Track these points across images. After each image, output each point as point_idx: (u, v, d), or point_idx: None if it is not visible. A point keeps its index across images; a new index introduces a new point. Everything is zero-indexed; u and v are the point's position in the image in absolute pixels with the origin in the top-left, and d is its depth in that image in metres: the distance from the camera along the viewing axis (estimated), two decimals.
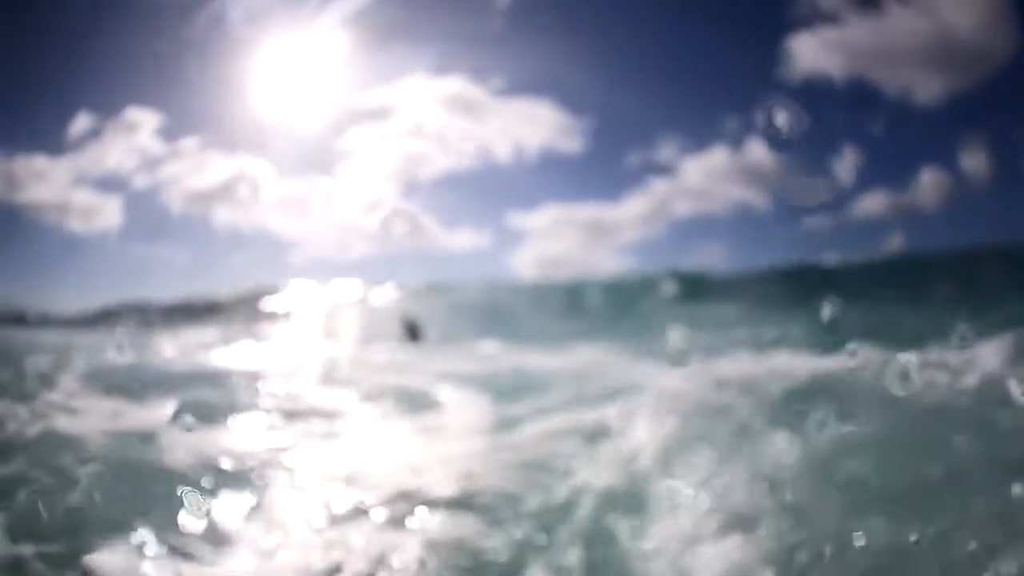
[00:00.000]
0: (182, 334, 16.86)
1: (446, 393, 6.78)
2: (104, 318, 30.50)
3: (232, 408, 6.06)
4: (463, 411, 6.05)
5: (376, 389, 7.08)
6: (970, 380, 4.36)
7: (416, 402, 6.48)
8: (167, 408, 5.87)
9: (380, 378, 8.36)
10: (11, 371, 7.43)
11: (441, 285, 23.47)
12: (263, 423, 5.77)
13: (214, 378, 8.22)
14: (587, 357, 10.49)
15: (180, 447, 4.57)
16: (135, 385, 7.10)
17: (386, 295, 23.31)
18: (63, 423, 4.96)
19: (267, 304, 24.45)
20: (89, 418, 5.29)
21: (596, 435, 4.66)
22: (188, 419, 5.41)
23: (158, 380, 7.91)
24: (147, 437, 4.71)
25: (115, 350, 11.11)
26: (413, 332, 16.29)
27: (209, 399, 6.45)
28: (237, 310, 24.22)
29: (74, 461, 4.03)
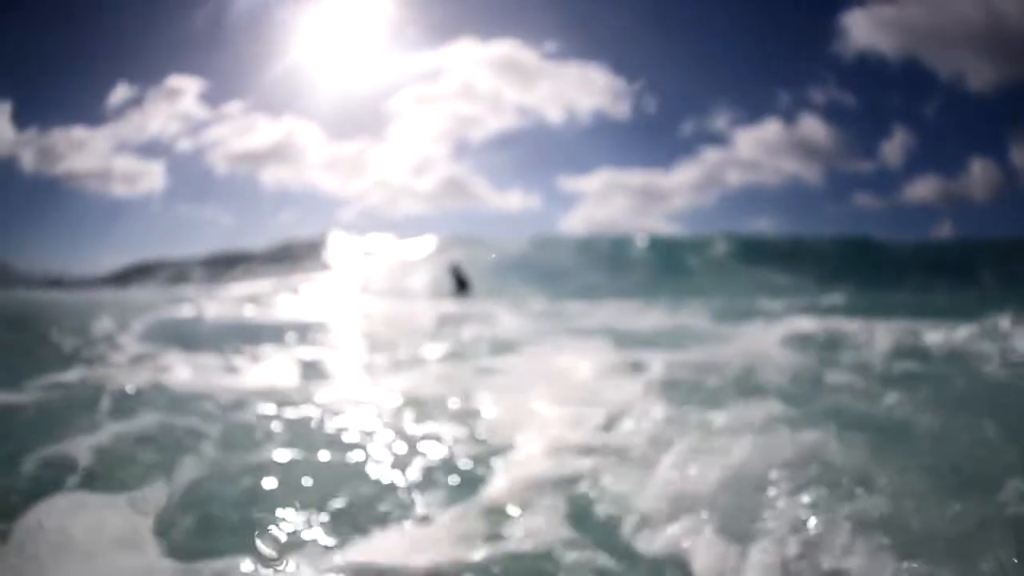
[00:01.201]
0: (225, 287, 16.57)
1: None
2: (136, 274, 30.58)
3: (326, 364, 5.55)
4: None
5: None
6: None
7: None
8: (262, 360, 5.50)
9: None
10: (78, 333, 7.02)
11: (487, 239, 22.90)
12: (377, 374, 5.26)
13: (286, 331, 7.71)
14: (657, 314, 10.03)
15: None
16: (209, 340, 6.63)
17: (430, 247, 22.84)
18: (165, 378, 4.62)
19: (311, 256, 24.12)
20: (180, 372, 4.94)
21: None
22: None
23: (242, 334, 7.44)
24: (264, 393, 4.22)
25: (169, 306, 10.67)
26: (462, 283, 16.01)
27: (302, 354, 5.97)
28: (279, 262, 23.94)
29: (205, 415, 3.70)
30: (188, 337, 6.99)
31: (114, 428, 3.27)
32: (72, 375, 4.62)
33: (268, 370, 5.19)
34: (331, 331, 8.12)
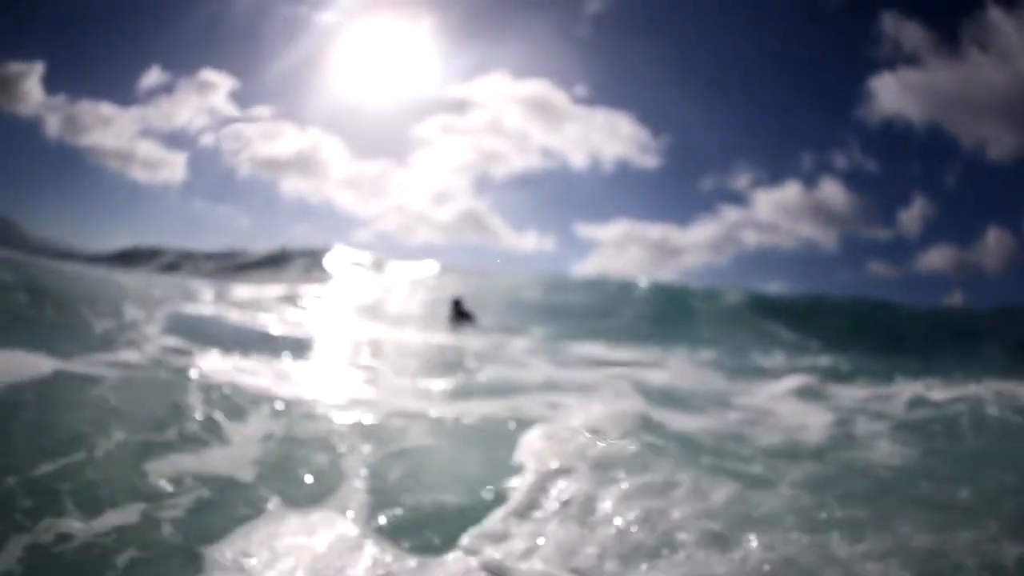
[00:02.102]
0: (227, 286, 16.59)
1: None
2: (136, 257, 30.53)
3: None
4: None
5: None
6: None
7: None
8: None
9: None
10: (106, 314, 7.13)
11: (495, 274, 23.08)
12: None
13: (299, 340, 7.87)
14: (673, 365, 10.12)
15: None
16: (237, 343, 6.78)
17: (433, 274, 23.01)
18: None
19: (311, 265, 24.18)
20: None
21: None
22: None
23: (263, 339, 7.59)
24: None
25: (181, 298, 10.78)
26: (461, 313, 15.88)
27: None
28: (278, 266, 23.99)
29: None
30: (213, 336, 7.14)
31: (247, 433, 3.51)
32: (129, 355, 4.78)
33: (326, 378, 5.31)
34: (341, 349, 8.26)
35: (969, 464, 4.47)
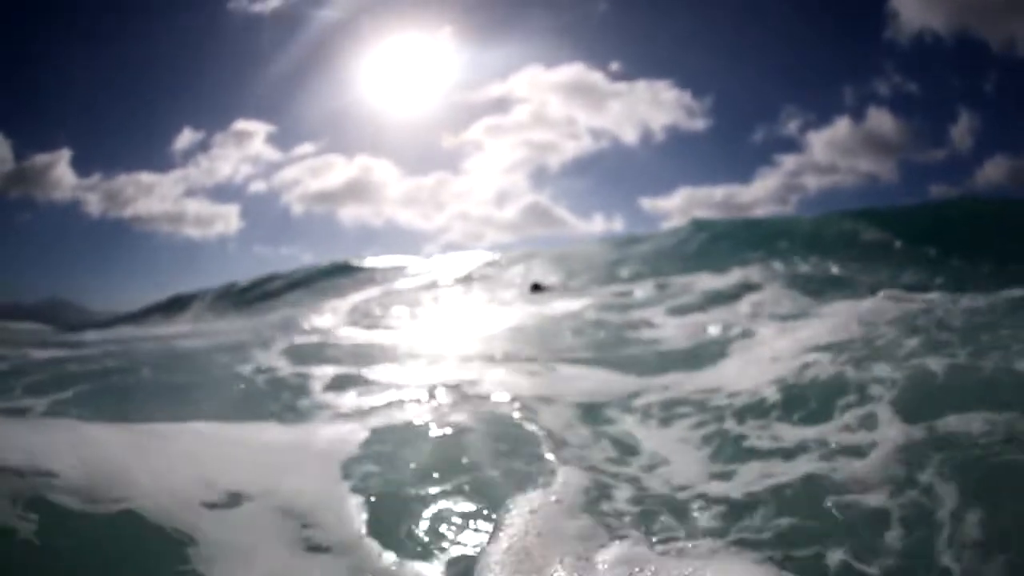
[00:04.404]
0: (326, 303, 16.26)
1: None
2: (165, 307, 30.32)
3: None
4: None
5: None
6: None
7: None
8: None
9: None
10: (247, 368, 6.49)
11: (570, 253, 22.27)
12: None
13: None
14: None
15: None
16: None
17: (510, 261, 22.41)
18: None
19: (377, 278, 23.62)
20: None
21: None
22: None
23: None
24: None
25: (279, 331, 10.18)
26: (537, 287, 16.12)
27: None
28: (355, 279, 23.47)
29: None
30: (341, 359, 6.53)
31: None
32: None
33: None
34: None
35: None
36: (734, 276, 12.67)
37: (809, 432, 3.27)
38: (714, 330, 6.99)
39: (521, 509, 2.42)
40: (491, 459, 3.11)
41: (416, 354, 6.92)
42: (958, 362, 3.66)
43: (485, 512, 2.61)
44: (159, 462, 2.68)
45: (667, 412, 4.07)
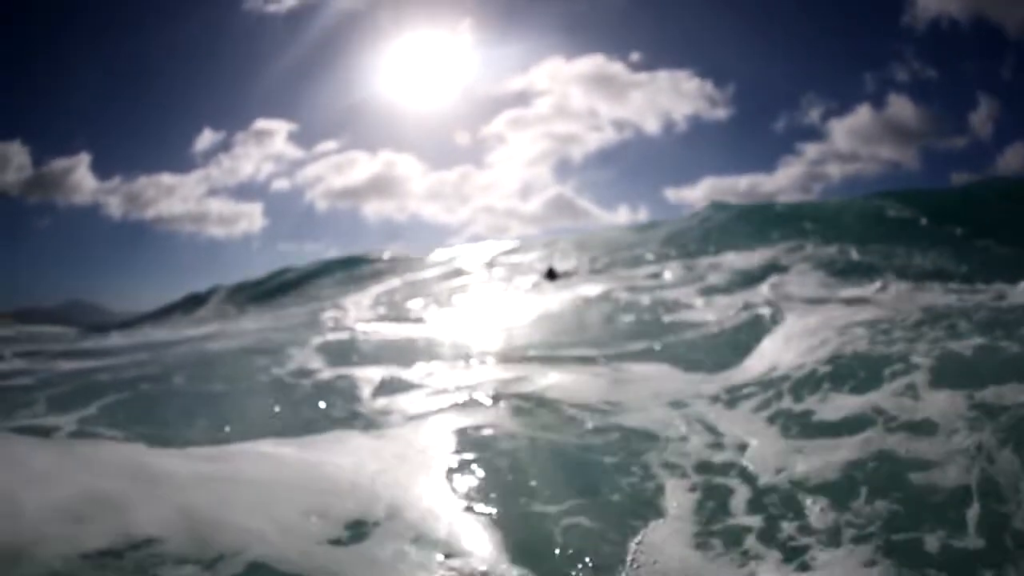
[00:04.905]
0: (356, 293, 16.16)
1: None
2: (195, 300, 30.30)
3: None
4: None
5: None
6: None
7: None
8: None
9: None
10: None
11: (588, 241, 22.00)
12: None
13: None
14: None
15: None
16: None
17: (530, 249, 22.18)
18: None
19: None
20: None
21: None
22: None
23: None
24: None
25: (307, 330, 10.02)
26: (552, 274, 15.89)
27: None
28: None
29: None
30: (380, 358, 6.34)
31: None
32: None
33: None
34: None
35: None
36: (757, 256, 12.50)
37: (864, 403, 3.37)
38: (748, 311, 6.87)
39: (646, 525, 2.43)
40: (594, 471, 3.02)
41: (456, 350, 6.71)
42: (983, 343, 3.88)
43: (615, 533, 2.46)
44: (248, 496, 2.44)
45: (733, 395, 4.11)
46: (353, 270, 26.24)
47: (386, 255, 27.41)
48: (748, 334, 5.78)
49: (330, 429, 3.78)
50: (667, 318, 7.60)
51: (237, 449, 3.06)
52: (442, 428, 3.62)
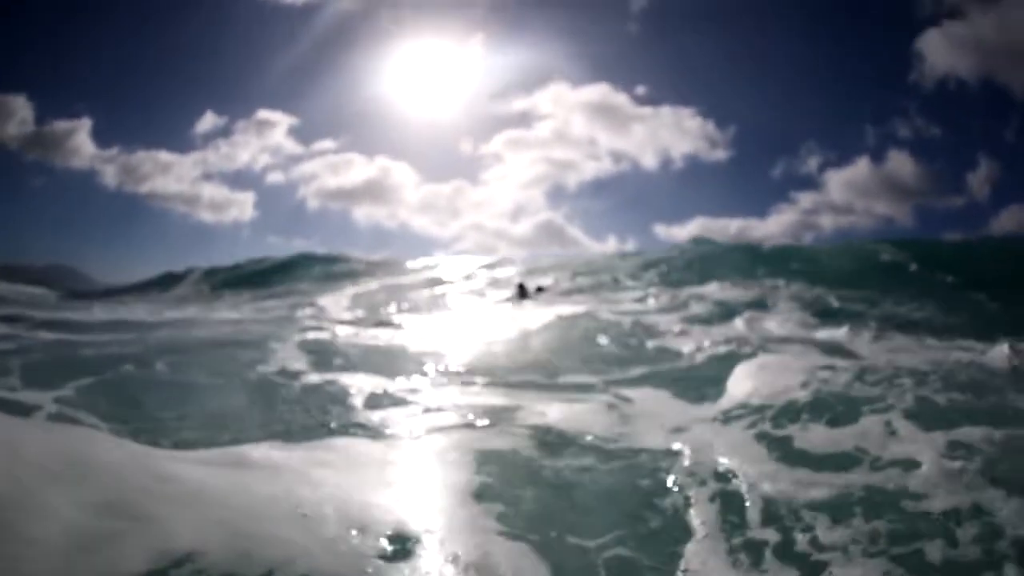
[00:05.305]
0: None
1: None
2: (172, 278, 30.10)
3: None
4: None
5: None
6: None
7: None
8: None
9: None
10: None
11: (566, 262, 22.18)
12: None
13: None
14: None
15: None
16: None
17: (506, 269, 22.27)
18: None
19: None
20: None
21: None
22: None
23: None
24: None
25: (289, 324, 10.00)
26: (523, 292, 15.99)
27: None
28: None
29: None
30: (362, 364, 6.40)
31: None
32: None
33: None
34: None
35: None
36: (735, 291, 12.73)
37: (844, 436, 3.57)
38: (726, 344, 7.06)
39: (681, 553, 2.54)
40: (607, 496, 3.11)
41: (439, 362, 6.76)
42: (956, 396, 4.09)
43: (652, 559, 2.55)
44: (281, 506, 2.39)
45: (726, 417, 4.30)
46: (330, 267, 26.13)
47: (374, 258, 27.38)
48: (730, 362, 5.90)
49: (327, 437, 3.80)
50: (652, 343, 7.67)
51: (246, 452, 3.01)
52: (448, 446, 3.66)
